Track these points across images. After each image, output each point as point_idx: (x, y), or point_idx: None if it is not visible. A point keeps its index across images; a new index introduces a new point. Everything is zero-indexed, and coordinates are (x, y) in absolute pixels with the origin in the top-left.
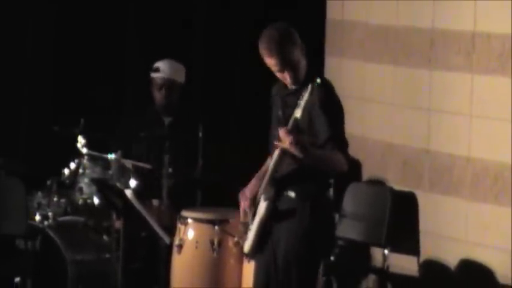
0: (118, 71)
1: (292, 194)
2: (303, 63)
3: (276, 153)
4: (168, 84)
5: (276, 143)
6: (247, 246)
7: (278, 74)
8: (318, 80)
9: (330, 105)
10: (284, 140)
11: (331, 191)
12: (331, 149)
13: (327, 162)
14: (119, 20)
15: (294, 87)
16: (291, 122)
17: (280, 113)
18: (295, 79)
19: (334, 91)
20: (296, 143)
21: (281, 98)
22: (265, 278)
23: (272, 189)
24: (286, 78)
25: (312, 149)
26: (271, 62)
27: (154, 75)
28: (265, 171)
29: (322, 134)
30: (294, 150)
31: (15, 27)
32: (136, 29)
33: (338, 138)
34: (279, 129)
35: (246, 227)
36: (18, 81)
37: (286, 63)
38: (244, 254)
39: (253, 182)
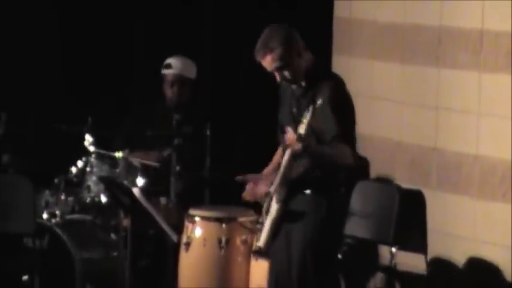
0: (126, 69)
1: (307, 191)
2: (299, 61)
3: (287, 155)
4: (180, 81)
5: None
6: (261, 241)
7: (276, 74)
8: (319, 102)
9: (338, 103)
10: (291, 143)
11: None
12: (337, 144)
13: (331, 157)
14: (127, 17)
15: (299, 86)
16: (296, 135)
17: (294, 110)
18: (293, 78)
19: (343, 88)
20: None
21: (294, 96)
22: (278, 277)
23: (284, 190)
24: (281, 77)
25: (315, 147)
26: (265, 61)
27: (165, 71)
28: (275, 164)
29: (329, 131)
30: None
31: (23, 25)
32: (144, 27)
33: (345, 135)
34: (288, 128)
35: (260, 224)
36: (27, 80)
37: (280, 62)
38: (255, 249)
39: (264, 175)
